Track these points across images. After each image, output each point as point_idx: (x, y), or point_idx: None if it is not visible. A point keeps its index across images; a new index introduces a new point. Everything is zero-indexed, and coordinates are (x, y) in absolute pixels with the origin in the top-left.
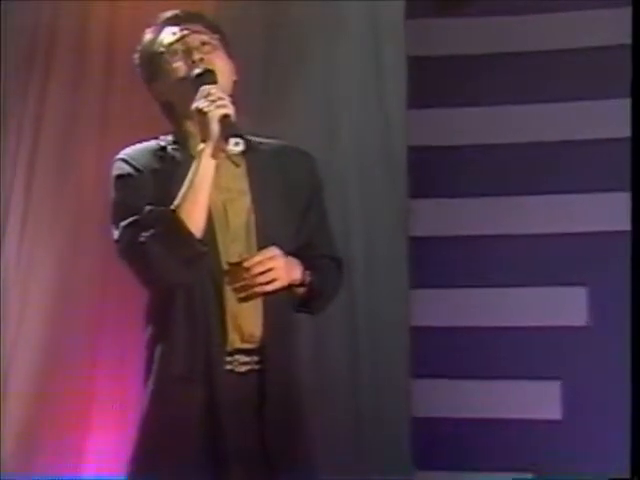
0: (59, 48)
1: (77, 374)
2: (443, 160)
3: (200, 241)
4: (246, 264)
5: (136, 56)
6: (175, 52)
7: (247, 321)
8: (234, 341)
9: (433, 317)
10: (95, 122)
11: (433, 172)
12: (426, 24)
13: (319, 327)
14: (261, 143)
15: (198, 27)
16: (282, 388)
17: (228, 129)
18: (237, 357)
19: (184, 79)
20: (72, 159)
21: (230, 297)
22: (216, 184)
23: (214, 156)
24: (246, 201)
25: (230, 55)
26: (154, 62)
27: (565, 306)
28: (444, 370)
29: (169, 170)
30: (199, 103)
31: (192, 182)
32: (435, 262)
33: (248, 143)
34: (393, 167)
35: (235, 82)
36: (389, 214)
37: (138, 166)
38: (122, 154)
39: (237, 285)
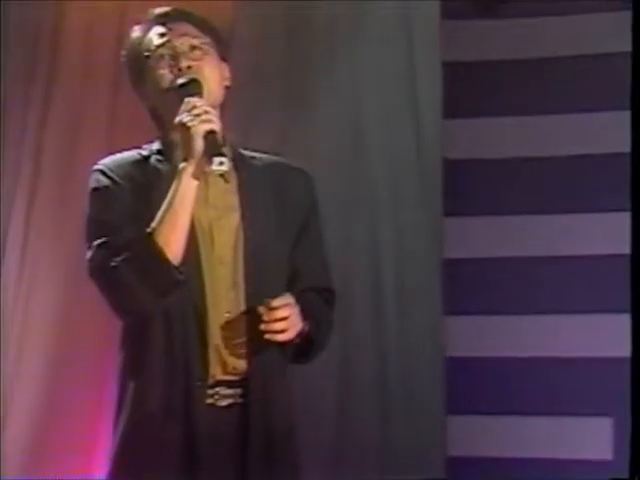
0: (64, 50)
1: (81, 397)
2: (481, 174)
3: (177, 269)
4: (261, 309)
5: (123, 54)
6: (161, 57)
7: (231, 353)
8: (215, 373)
9: (470, 347)
10: (102, 130)
11: (470, 187)
12: (463, 26)
13: (345, 356)
14: (254, 157)
15: (188, 28)
16: (267, 423)
17: (212, 147)
18: (218, 390)
19: (169, 89)
20: (77, 172)
21: (213, 327)
22: (203, 200)
23: (196, 176)
24: (234, 220)
25: (224, 58)
26: (139, 65)
27: (617, 335)
28: (483, 405)
29: (151, 183)
30: (182, 117)
31: (171, 204)
32: (472, 286)
33: (240, 157)
34: (426, 182)
35: (227, 88)
36: (422, 233)
37: (117, 178)
38: (100, 164)
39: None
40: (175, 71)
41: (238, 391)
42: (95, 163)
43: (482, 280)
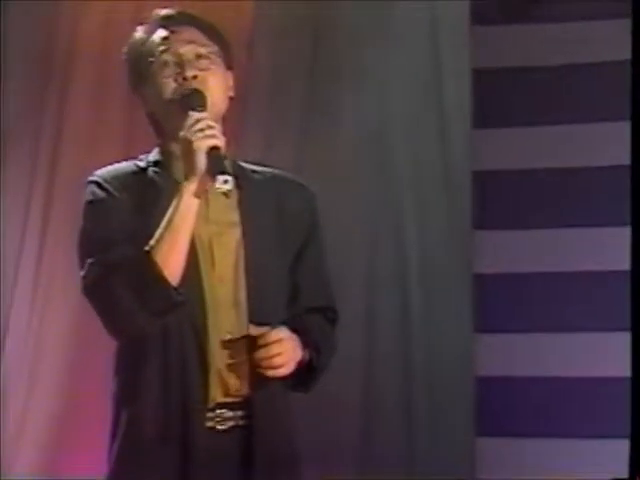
0: (79, 54)
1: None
2: (512, 186)
3: (176, 289)
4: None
5: (124, 52)
6: (165, 64)
7: (233, 376)
8: (216, 395)
9: (501, 366)
10: (120, 140)
11: (501, 200)
12: (493, 31)
13: (371, 375)
14: (255, 171)
15: (195, 34)
16: (272, 446)
17: (216, 164)
18: (219, 412)
19: (172, 100)
20: None
21: (214, 348)
22: (203, 216)
23: (197, 195)
24: (235, 236)
25: (230, 66)
26: (141, 68)
27: None
28: (514, 426)
29: (149, 196)
30: (185, 132)
31: (171, 222)
32: (503, 303)
33: (240, 171)
34: (455, 194)
35: (231, 99)
36: (450, 248)
37: (113, 191)
38: (95, 176)
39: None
40: (180, 80)
41: (239, 413)
42: None
43: (514, 296)
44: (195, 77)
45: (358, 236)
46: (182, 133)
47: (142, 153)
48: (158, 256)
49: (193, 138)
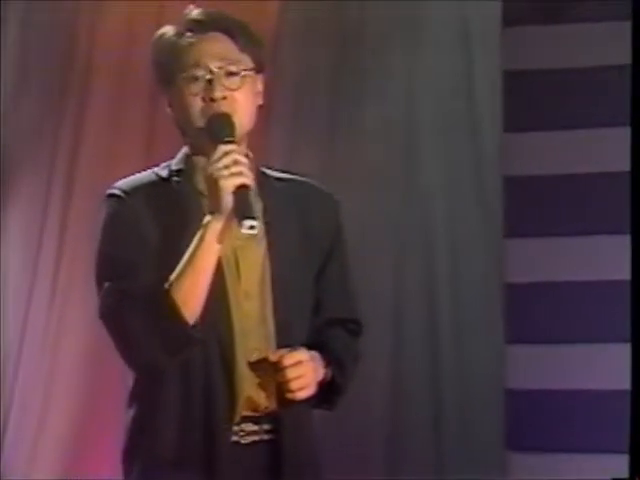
0: (99, 59)
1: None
2: (545, 192)
3: (194, 327)
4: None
5: (152, 51)
6: (195, 78)
7: (262, 394)
8: (241, 410)
9: (533, 378)
10: (140, 147)
11: (533, 207)
12: (525, 32)
13: (399, 388)
14: (278, 179)
15: (226, 46)
16: (299, 459)
17: (242, 207)
18: (243, 426)
19: (199, 127)
20: None
21: (241, 366)
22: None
23: (220, 240)
24: (260, 249)
25: (261, 69)
26: (169, 74)
27: None
28: (547, 441)
29: (172, 209)
30: (211, 168)
31: (193, 260)
32: (535, 313)
33: (263, 179)
34: (486, 201)
35: (261, 107)
36: (481, 256)
37: (134, 205)
38: (114, 188)
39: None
40: (207, 100)
41: (264, 427)
42: None
43: (547, 306)
44: (224, 98)
45: (386, 244)
46: (208, 168)
47: (163, 162)
48: (178, 294)
49: (219, 176)
